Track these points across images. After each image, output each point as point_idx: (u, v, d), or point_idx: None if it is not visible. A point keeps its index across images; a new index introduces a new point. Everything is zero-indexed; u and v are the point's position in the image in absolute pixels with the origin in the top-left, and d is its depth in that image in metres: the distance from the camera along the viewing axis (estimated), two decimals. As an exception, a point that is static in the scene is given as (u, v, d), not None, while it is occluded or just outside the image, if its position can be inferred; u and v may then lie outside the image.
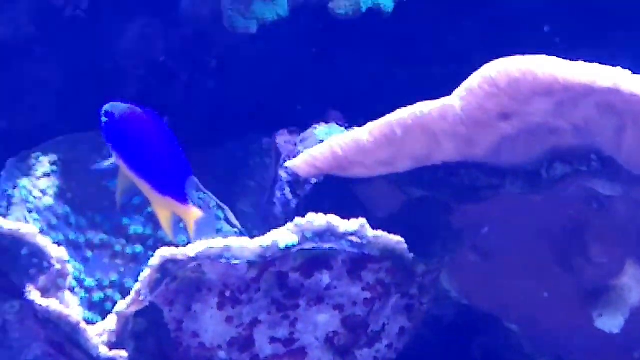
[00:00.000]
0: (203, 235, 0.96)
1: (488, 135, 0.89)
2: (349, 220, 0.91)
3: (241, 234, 1.10)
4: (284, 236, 0.90)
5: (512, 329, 1.15)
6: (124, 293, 1.03)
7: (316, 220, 0.90)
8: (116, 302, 1.00)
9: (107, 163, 0.99)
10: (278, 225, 1.11)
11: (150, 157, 0.98)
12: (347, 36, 1.14)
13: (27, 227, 0.91)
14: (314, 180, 1.12)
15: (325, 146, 0.96)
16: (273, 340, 0.95)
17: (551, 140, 0.90)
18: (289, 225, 0.91)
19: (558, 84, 0.81)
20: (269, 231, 1.09)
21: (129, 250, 1.07)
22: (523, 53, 0.84)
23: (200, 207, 1.02)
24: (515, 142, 0.91)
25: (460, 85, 0.87)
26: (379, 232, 0.91)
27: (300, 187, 1.13)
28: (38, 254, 0.91)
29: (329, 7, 1.06)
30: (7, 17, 1.15)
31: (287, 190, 1.14)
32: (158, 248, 1.02)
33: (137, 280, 1.02)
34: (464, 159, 0.93)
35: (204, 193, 1.09)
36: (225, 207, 1.10)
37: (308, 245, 0.90)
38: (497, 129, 0.88)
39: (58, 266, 0.92)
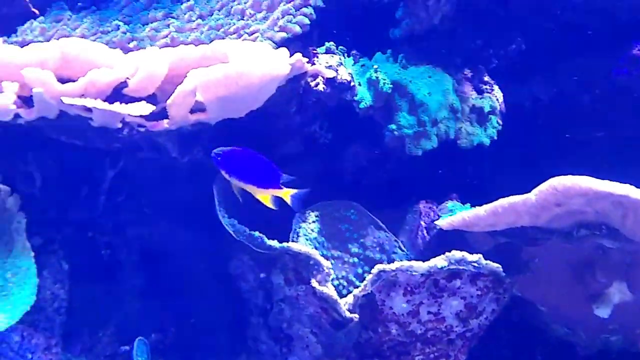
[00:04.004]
0: (296, 204, 0.88)
1: (547, 214, 0.87)
2: (470, 253, 0.89)
3: (406, 255, 1.06)
4: (440, 261, 0.90)
5: (541, 310, 1.07)
6: (349, 283, 1.02)
7: (457, 254, 0.90)
8: (344, 286, 1.02)
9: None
10: (419, 249, 1.12)
11: (250, 170, 0.86)
12: (463, 156, 1.10)
13: (312, 250, 0.93)
14: (437, 228, 1.08)
15: (458, 216, 0.94)
16: (429, 313, 0.94)
17: (580, 217, 0.87)
18: (442, 255, 0.90)
19: (592, 191, 0.80)
20: (415, 253, 1.10)
21: (350, 260, 1.04)
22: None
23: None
24: (561, 217, 0.88)
25: (536, 188, 0.85)
26: (488, 261, 0.90)
27: (431, 231, 1.09)
28: (317, 263, 0.92)
29: (457, 142, 1.05)
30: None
31: (425, 232, 1.10)
32: (365, 260, 1.06)
33: (355, 276, 1.04)
34: (532, 224, 0.90)
35: (386, 232, 1.06)
36: (398, 240, 1.07)
37: (452, 267, 0.90)
38: (552, 211, 0.86)
39: (326, 270, 0.93)
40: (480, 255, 0.89)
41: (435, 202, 1.12)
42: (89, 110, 0.76)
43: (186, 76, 0.80)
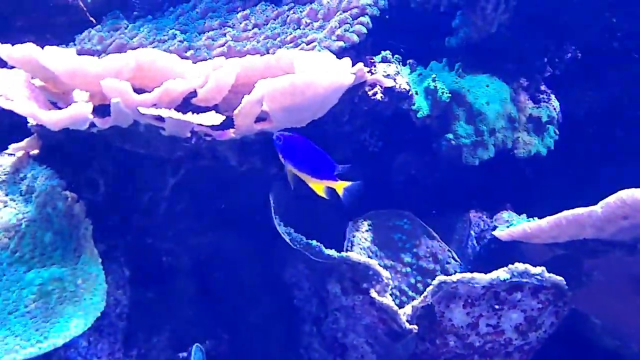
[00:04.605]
0: (349, 197, 0.85)
1: (612, 227, 0.86)
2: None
3: (460, 266, 1.05)
4: (502, 274, 0.89)
5: (595, 322, 1.08)
6: (402, 293, 1.02)
7: (520, 266, 0.89)
8: (396, 296, 1.01)
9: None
10: (469, 259, 1.11)
11: (306, 159, 0.84)
12: (518, 166, 1.10)
13: (371, 260, 0.92)
14: (488, 238, 1.07)
15: (519, 227, 0.94)
16: (487, 325, 0.93)
17: (645, 230, 0.86)
18: (504, 268, 0.89)
19: (663, 205, 0.79)
20: (464, 263, 1.08)
21: (403, 270, 1.03)
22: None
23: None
24: (625, 230, 0.87)
25: (602, 201, 0.84)
26: (551, 274, 0.89)
27: (482, 240, 1.09)
28: (376, 273, 0.92)
29: (514, 152, 1.04)
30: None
31: (474, 241, 1.10)
32: (419, 270, 1.04)
33: (408, 286, 1.03)
34: (595, 237, 0.90)
35: (440, 242, 1.05)
36: (451, 250, 1.07)
37: (514, 279, 0.89)
38: (618, 224, 0.85)
39: (386, 280, 0.92)
40: (543, 268, 0.89)
41: (486, 211, 1.12)
42: (161, 119, 0.77)
43: (252, 85, 0.80)
